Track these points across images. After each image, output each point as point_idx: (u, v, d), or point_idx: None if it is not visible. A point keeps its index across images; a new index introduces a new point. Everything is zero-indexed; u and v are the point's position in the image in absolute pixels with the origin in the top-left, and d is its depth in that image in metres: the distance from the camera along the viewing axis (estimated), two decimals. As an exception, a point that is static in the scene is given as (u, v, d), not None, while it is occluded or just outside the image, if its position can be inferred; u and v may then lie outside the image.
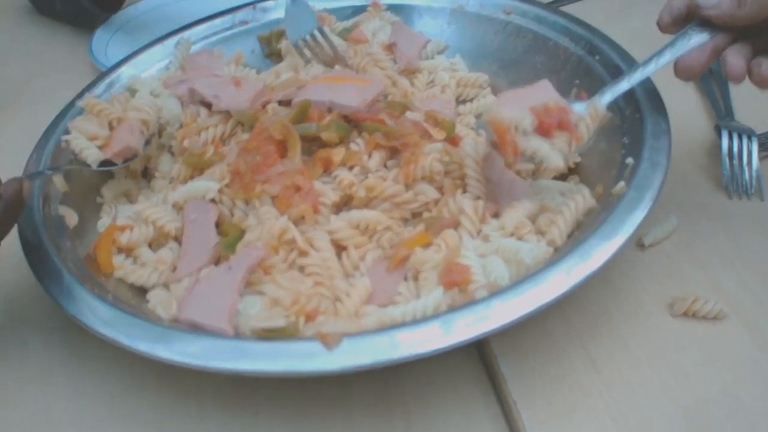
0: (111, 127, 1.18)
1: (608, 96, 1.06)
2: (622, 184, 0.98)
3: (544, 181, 1.10)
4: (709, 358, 0.95)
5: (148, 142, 1.20)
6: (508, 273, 0.92)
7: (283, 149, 1.08)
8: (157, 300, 0.98)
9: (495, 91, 1.35)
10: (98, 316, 0.90)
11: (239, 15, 1.49)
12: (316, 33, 1.36)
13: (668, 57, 1.04)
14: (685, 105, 1.36)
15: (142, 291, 1.02)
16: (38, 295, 0.98)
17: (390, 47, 1.40)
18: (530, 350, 0.96)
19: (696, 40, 1.03)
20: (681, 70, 1.03)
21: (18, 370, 1.01)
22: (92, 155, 1.12)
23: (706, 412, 0.90)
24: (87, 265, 1.02)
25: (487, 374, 0.97)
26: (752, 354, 0.95)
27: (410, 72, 1.38)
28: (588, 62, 1.23)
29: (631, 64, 1.16)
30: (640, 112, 1.08)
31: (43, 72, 1.67)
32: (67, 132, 1.15)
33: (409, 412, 0.93)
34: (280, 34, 1.45)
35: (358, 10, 1.49)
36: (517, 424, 0.90)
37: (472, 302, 0.86)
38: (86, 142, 1.13)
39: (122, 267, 1.03)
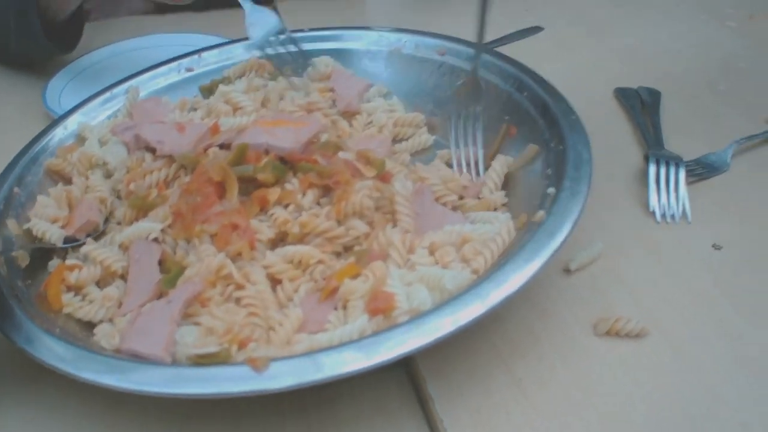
0: (69, 207, 1.23)
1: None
2: (542, 213, 1.03)
3: (470, 212, 1.15)
4: (635, 375, 0.98)
5: (107, 220, 1.24)
6: (431, 299, 0.97)
7: (221, 190, 1.13)
8: (102, 333, 1.01)
9: (431, 129, 1.40)
10: (47, 348, 0.93)
11: (185, 62, 1.54)
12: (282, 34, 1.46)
13: None
14: (617, 136, 1.42)
15: (90, 326, 1.05)
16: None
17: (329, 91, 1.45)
18: (457, 373, 1.00)
19: None
20: None
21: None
22: (55, 235, 1.16)
23: (632, 429, 0.93)
24: (38, 303, 1.06)
25: (417, 396, 1.00)
26: (676, 370, 0.99)
27: (350, 115, 1.42)
28: (516, 98, 1.28)
29: (557, 98, 1.22)
30: (563, 143, 1.13)
31: (-1, 118, 1.71)
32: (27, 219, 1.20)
33: (342, 435, 0.97)
34: (218, 84, 1.50)
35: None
36: (445, 444, 0.94)
37: (393, 326, 0.90)
38: (47, 225, 1.17)
39: (71, 304, 1.06)
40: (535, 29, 1.67)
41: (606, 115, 1.43)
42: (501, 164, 1.21)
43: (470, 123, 1.27)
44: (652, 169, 1.28)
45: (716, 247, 1.18)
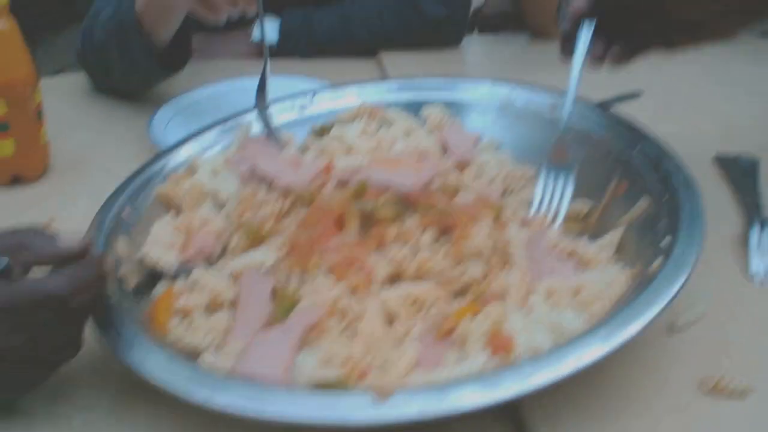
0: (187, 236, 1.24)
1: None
2: (659, 260, 1.04)
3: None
4: (740, 432, 0.98)
5: (223, 251, 1.24)
6: (550, 341, 0.97)
7: (340, 224, 1.15)
8: (214, 357, 1.02)
9: None
10: (157, 365, 0.95)
11: (297, 101, 1.57)
12: None
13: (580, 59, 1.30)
14: (716, 200, 1.43)
15: (195, 353, 1.05)
16: (94, 348, 1.04)
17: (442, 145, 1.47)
18: (565, 422, 0.99)
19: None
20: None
21: (68, 418, 1.03)
22: (169, 261, 1.19)
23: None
24: (144, 324, 1.07)
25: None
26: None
27: (462, 166, 1.43)
28: (627, 155, 1.30)
29: (669, 155, 1.25)
30: (676, 198, 1.14)
31: (102, 148, 1.75)
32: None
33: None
34: (331, 128, 1.53)
35: (411, 104, 1.58)
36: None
37: (516, 364, 0.91)
38: (160, 252, 1.19)
39: (177, 329, 1.07)
40: (634, 94, 1.69)
41: (706, 180, 1.43)
42: (616, 235, 1.21)
43: (559, 183, 1.29)
44: (755, 234, 1.30)
45: (816, 314, 1.18)
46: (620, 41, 1.31)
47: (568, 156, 1.28)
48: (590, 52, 1.30)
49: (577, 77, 1.30)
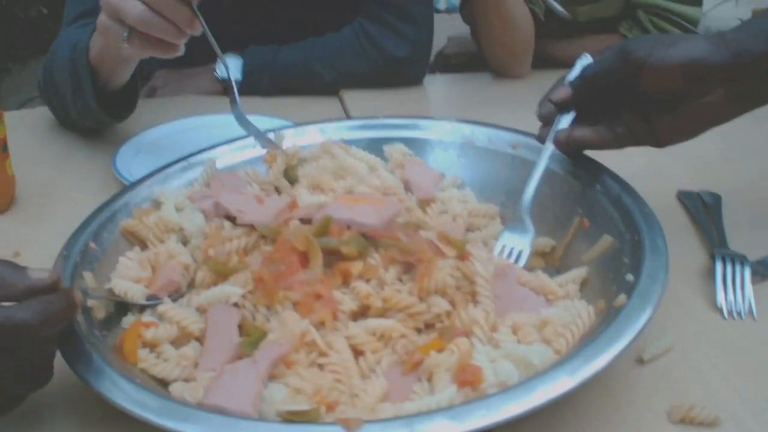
0: (153, 270, 1.25)
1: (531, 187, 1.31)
2: (622, 296, 1.05)
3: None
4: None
5: (190, 284, 1.25)
6: (518, 374, 0.98)
7: (304, 260, 1.15)
8: (183, 388, 1.03)
9: (503, 221, 1.40)
10: (127, 394, 0.95)
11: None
12: None
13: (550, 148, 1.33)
14: (681, 235, 1.45)
15: (161, 384, 1.06)
16: (63, 378, 1.03)
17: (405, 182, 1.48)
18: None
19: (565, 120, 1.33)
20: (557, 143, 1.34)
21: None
22: (137, 293, 1.19)
23: None
24: (113, 354, 1.07)
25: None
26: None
27: (426, 203, 1.43)
28: (589, 192, 1.31)
29: (630, 192, 1.26)
30: (639, 234, 1.16)
31: (68, 181, 1.75)
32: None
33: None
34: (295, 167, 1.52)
35: (373, 142, 1.58)
36: None
37: (485, 395, 0.92)
38: (128, 284, 1.19)
39: (146, 359, 1.07)
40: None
41: (670, 216, 1.45)
42: (581, 272, 1.23)
43: (517, 246, 1.30)
44: (719, 266, 1.31)
45: (783, 344, 1.19)
46: (602, 126, 1.33)
47: (527, 226, 1.29)
48: (555, 136, 1.33)
49: (544, 165, 1.32)
